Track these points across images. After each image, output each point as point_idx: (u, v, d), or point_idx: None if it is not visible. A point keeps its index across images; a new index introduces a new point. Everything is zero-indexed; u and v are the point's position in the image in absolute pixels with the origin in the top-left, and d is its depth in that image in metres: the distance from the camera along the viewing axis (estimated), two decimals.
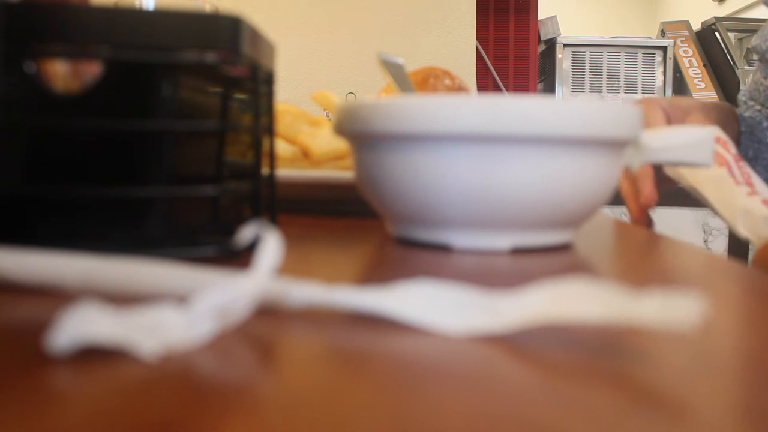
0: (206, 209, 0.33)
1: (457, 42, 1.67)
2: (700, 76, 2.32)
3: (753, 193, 0.55)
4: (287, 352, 0.19)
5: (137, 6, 0.51)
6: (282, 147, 0.58)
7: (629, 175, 0.66)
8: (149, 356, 0.17)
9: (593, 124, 0.34)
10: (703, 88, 2.28)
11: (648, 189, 0.63)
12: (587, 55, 2.23)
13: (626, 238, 0.46)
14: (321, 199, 0.54)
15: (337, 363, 0.18)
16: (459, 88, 0.71)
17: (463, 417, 0.14)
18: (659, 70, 2.24)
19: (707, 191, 0.57)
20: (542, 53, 2.27)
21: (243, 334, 0.20)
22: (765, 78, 0.79)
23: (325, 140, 0.57)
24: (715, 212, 0.57)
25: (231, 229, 0.31)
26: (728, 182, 0.55)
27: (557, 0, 3.00)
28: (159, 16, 0.28)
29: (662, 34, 2.46)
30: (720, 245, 1.96)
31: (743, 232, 0.53)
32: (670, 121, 0.69)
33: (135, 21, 0.28)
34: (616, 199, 0.65)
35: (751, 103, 0.78)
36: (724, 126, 0.71)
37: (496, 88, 1.96)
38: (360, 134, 0.37)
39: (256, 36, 0.32)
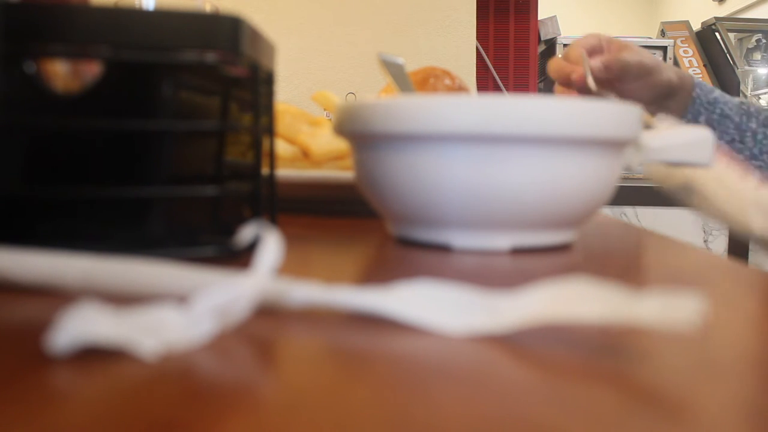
0: (206, 209, 0.33)
1: (457, 42, 1.67)
2: (700, 76, 2.32)
3: (760, 186, 0.55)
4: (287, 352, 0.19)
5: (137, 6, 0.51)
6: (282, 147, 0.58)
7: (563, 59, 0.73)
8: (149, 356, 0.17)
9: (593, 124, 0.34)
10: None
11: (579, 72, 0.69)
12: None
13: (626, 238, 0.46)
14: (321, 199, 0.54)
15: (337, 363, 0.18)
16: (459, 88, 0.71)
17: (463, 417, 0.14)
18: None
19: (709, 187, 0.56)
20: (542, 53, 2.27)
21: (243, 334, 0.20)
22: None
23: (325, 140, 0.57)
24: (711, 212, 0.56)
25: (231, 229, 0.31)
26: (731, 177, 0.55)
27: (557, 0, 3.00)
28: (159, 16, 0.28)
29: (662, 34, 2.46)
30: (720, 245, 1.96)
31: (759, 225, 0.53)
32: (601, 49, 0.75)
33: (135, 21, 0.28)
34: (616, 199, 0.66)
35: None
36: (659, 73, 0.75)
37: (496, 88, 1.96)
38: (360, 134, 0.37)
39: (256, 36, 0.32)
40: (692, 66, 2.33)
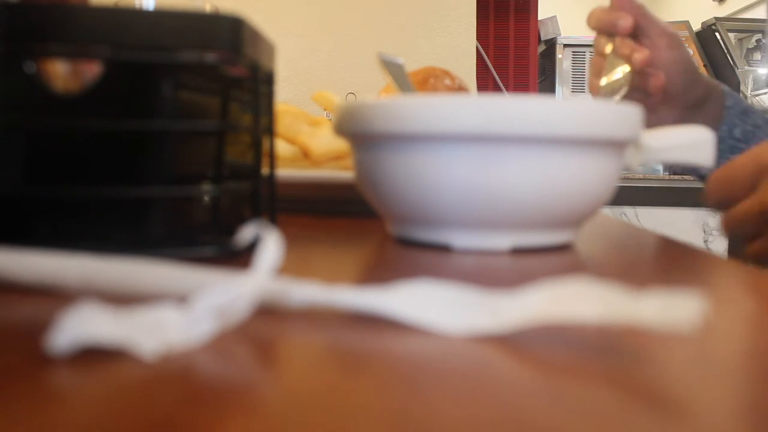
0: (206, 209, 0.33)
1: (457, 42, 1.67)
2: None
3: None
4: (287, 352, 0.19)
5: (137, 6, 0.51)
6: (282, 147, 0.58)
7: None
8: (149, 356, 0.17)
9: (593, 124, 0.34)
10: None
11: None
12: (587, 55, 2.23)
13: (626, 238, 0.46)
14: (321, 199, 0.54)
15: (337, 363, 0.18)
16: (459, 88, 0.71)
17: (463, 417, 0.14)
18: None
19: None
20: (542, 53, 2.27)
21: (243, 334, 0.20)
22: None
23: (325, 140, 0.57)
24: None
25: (231, 229, 0.31)
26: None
27: (557, 0, 3.00)
28: (159, 16, 0.28)
29: None
30: (720, 245, 1.96)
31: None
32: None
33: (135, 21, 0.28)
34: (616, 199, 0.65)
35: None
36: (692, 80, 0.69)
37: (496, 88, 1.96)
38: (360, 134, 0.37)
39: (256, 36, 0.32)
40: None
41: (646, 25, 0.67)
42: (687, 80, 0.68)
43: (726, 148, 0.71)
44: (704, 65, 2.35)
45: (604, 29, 0.67)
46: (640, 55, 0.64)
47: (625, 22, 0.64)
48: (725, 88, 0.74)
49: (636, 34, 0.67)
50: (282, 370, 0.17)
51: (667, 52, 0.67)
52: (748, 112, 0.72)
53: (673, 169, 0.80)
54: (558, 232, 0.37)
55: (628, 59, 0.65)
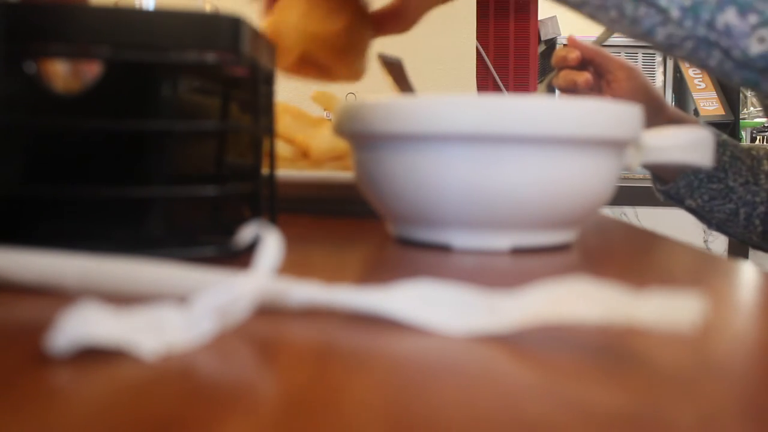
0: (206, 209, 0.33)
1: (457, 42, 1.67)
2: (701, 76, 2.32)
3: None
4: (287, 352, 0.19)
5: (137, 6, 0.51)
6: (282, 147, 0.58)
7: None
8: (149, 356, 0.17)
9: (593, 124, 0.34)
10: (703, 88, 2.28)
11: None
12: None
13: (626, 238, 0.46)
14: (321, 199, 0.54)
15: (337, 363, 0.18)
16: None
17: (463, 417, 0.14)
18: (659, 70, 2.23)
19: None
20: (542, 53, 2.27)
21: (243, 334, 0.20)
22: None
23: (325, 140, 0.57)
24: None
25: (231, 229, 0.31)
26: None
27: None
28: (159, 16, 0.28)
29: None
30: (720, 245, 1.96)
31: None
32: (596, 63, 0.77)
33: (135, 21, 0.28)
34: (616, 199, 0.66)
35: None
36: (664, 108, 0.76)
37: (496, 88, 1.96)
38: (360, 134, 0.37)
39: (256, 36, 0.32)
40: (692, 67, 2.33)
41: (605, 62, 0.78)
42: (650, 109, 0.74)
43: (704, 177, 0.75)
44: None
45: (559, 64, 0.78)
46: (582, 77, 0.76)
47: (573, 54, 0.77)
48: (702, 123, 0.80)
49: (599, 73, 0.77)
50: (282, 370, 0.17)
51: (627, 82, 0.75)
52: (725, 144, 0.76)
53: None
54: (558, 232, 0.37)
55: (574, 84, 0.77)
